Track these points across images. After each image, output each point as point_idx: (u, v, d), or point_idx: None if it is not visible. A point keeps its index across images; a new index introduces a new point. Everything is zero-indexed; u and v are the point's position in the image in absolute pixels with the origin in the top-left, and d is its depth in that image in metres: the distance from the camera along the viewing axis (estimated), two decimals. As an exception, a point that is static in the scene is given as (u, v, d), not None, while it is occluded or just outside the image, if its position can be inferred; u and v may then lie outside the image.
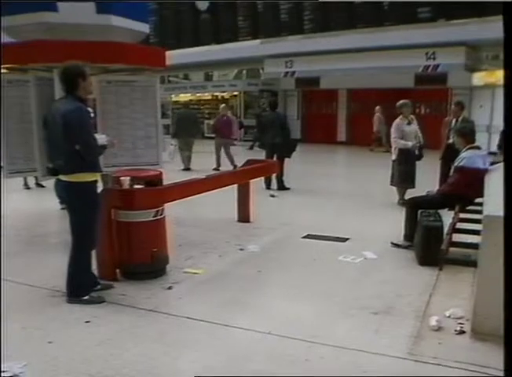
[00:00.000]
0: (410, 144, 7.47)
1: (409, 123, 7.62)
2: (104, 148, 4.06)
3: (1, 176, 5.42)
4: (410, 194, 7.20)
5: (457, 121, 7.76)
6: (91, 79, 4.03)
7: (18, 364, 2.98)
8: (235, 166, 11.16)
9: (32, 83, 5.18)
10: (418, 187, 7.43)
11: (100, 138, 4.04)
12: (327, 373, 2.95)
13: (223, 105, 14.76)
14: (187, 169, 12.35)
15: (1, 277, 4.18)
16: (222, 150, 12.68)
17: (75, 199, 3.95)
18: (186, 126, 12.51)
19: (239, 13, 19.92)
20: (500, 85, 13.49)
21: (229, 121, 13.53)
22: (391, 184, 7.93)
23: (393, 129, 7.64)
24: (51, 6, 5.02)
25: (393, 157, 7.74)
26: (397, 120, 7.65)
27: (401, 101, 7.77)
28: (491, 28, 12.05)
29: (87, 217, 3.95)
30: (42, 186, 8.90)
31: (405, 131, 7.54)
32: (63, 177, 3.92)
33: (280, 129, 9.39)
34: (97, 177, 4.04)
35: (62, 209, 7.88)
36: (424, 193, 5.87)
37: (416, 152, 7.64)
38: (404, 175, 7.63)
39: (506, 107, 1.16)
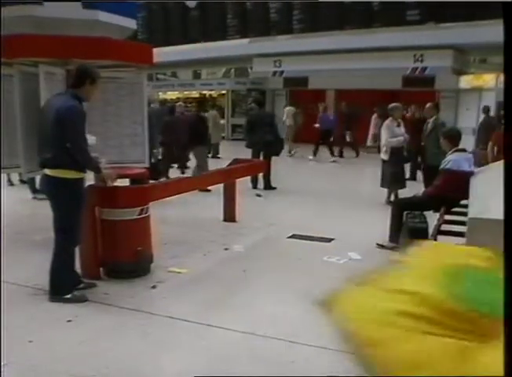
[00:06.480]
0: (401, 138, 7.60)
1: (399, 125, 7.75)
2: (97, 165, 3.99)
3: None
4: (402, 194, 7.27)
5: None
6: (98, 87, 4.02)
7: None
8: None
9: (16, 78, 5.08)
10: (406, 188, 7.48)
11: (90, 139, 4.00)
12: (310, 373, 2.94)
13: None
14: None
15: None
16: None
17: (57, 195, 3.91)
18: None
19: (228, 12, 19.86)
20: (487, 88, 13.66)
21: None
22: (382, 186, 7.95)
23: (383, 131, 7.73)
24: (36, -1, 4.96)
25: (385, 158, 7.78)
26: (387, 121, 7.79)
27: (392, 104, 7.94)
28: (479, 32, 12.26)
29: (69, 213, 3.91)
30: (26, 182, 8.76)
31: (395, 132, 7.64)
32: (47, 171, 3.88)
33: (268, 128, 9.27)
34: (82, 175, 3.99)
35: (34, 198, 7.88)
36: (411, 195, 5.89)
37: (405, 154, 7.75)
38: (395, 176, 7.68)
39: (507, 108, 1.15)
